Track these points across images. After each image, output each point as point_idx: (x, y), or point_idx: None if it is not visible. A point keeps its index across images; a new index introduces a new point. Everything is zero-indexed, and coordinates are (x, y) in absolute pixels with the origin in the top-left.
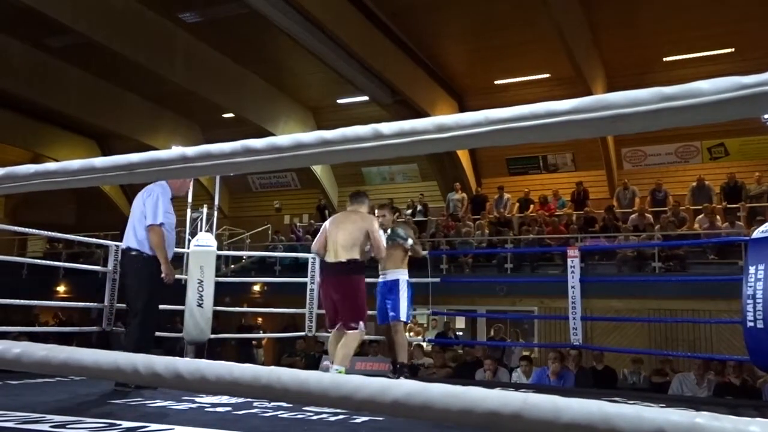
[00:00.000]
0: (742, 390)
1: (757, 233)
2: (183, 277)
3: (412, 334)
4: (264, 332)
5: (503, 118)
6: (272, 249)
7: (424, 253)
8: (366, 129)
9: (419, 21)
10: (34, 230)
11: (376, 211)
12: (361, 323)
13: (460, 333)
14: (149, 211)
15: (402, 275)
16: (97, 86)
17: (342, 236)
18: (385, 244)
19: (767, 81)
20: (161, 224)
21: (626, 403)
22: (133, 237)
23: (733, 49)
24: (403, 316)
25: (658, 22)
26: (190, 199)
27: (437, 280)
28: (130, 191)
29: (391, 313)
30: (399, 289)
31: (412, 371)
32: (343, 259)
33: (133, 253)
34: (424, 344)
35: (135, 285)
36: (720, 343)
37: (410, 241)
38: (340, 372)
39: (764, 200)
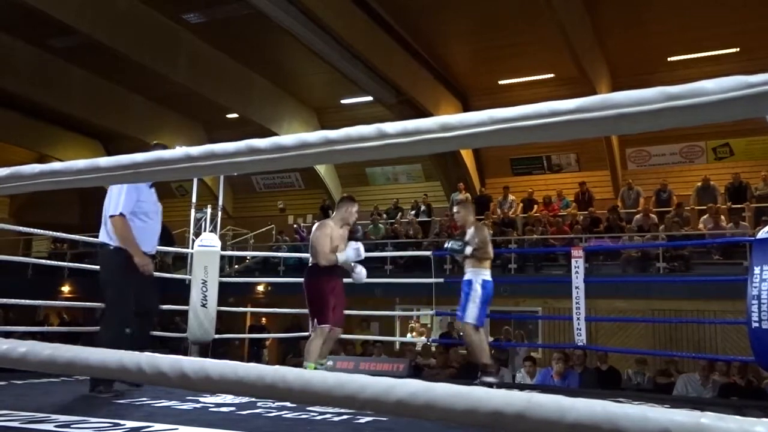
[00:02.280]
0: (747, 391)
1: (762, 233)
2: (187, 277)
3: (414, 334)
4: (268, 333)
5: (507, 118)
6: (276, 249)
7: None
8: (370, 128)
9: (423, 21)
10: (38, 230)
11: (454, 208)
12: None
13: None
14: (111, 201)
15: (475, 275)
16: (101, 87)
17: None
18: (323, 250)
19: None
20: (122, 214)
21: (631, 403)
22: (103, 230)
23: (738, 49)
24: (468, 318)
25: (662, 22)
26: (194, 200)
27: (441, 280)
28: None
29: (458, 314)
30: (470, 288)
31: (417, 370)
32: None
33: (101, 247)
34: (428, 344)
35: (102, 279)
36: (725, 344)
37: (467, 250)
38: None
39: None
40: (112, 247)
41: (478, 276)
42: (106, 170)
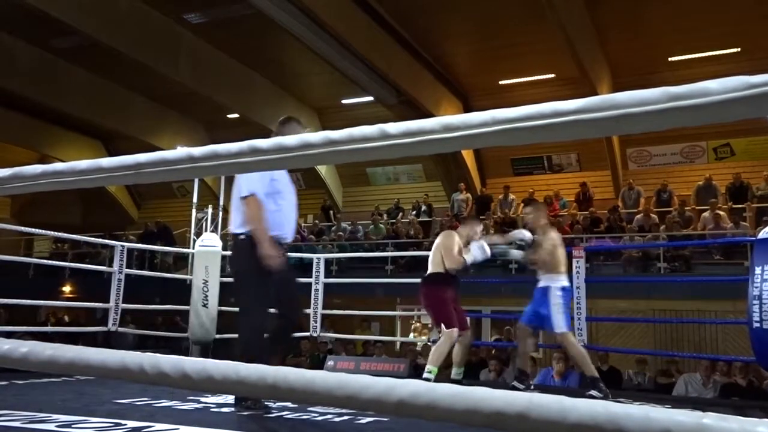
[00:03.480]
0: (748, 391)
1: (763, 233)
2: (188, 277)
3: (415, 334)
4: None
5: (509, 118)
6: None
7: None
8: (372, 129)
9: (424, 21)
10: (40, 230)
11: (526, 209)
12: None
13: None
14: (242, 182)
15: (552, 281)
16: (102, 87)
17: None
18: (453, 254)
19: None
20: (254, 194)
21: (632, 403)
22: (235, 218)
23: (738, 49)
24: (558, 327)
25: (663, 22)
26: (195, 199)
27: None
28: (136, 192)
29: (549, 325)
30: (549, 297)
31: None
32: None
33: (231, 237)
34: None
35: (235, 274)
36: (726, 344)
37: (515, 254)
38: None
39: None
40: (244, 237)
41: (555, 282)
42: (108, 171)
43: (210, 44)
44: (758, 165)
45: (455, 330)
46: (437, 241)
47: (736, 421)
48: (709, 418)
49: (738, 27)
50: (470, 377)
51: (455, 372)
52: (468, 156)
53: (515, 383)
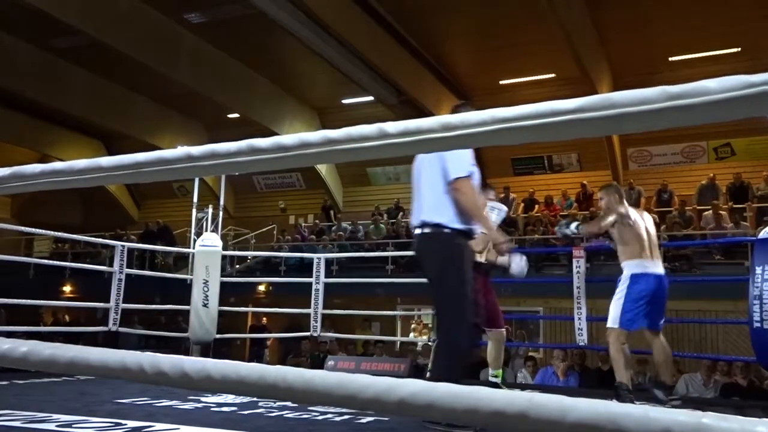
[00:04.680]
0: (748, 391)
1: (764, 233)
2: (188, 277)
3: (415, 334)
4: (269, 333)
5: (509, 117)
6: (277, 249)
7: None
8: (371, 128)
9: (424, 21)
10: (40, 230)
11: (598, 194)
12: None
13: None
14: (451, 163)
15: (626, 270)
16: (103, 87)
17: None
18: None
19: None
20: (469, 175)
21: (632, 403)
22: (425, 209)
23: (739, 49)
24: (612, 321)
25: (663, 22)
26: (195, 199)
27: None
28: (137, 192)
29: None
30: (617, 287)
31: (418, 370)
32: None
33: (427, 231)
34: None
35: (435, 277)
36: (726, 344)
37: (572, 227)
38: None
39: None
40: (450, 230)
41: (627, 271)
42: (108, 170)
43: (210, 44)
44: (759, 165)
45: (502, 330)
46: None
47: (737, 421)
48: (709, 418)
49: (738, 27)
50: (471, 377)
51: (490, 374)
52: None
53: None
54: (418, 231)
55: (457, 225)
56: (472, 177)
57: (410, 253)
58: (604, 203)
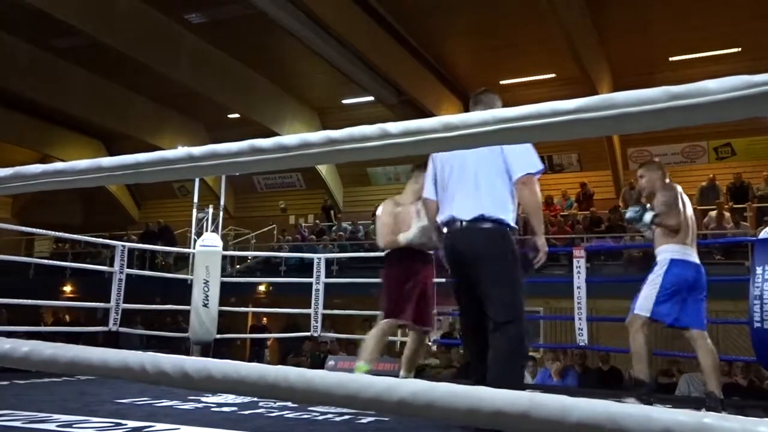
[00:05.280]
0: (749, 390)
1: (764, 233)
2: (189, 277)
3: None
4: (269, 333)
5: (510, 117)
6: (277, 249)
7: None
8: (373, 128)
9: (425, 21)
10: (41, 230)
11: (639, 172)
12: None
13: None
14: (518, 157)
15: (664, 254)
16: (103, 87)
17: None
18: (381, 232)
19: None
20: (539, 172)
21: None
22: (484, 203)
23: (739, 49)
24: (640, 308)
25: (664, 23)
26: (195, 199)
27: (443, 280)
28: (137, 192)
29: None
30: (652, 272)
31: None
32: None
33: (487, 226)
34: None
35: (493, 275)
36: (727, 344)
37: (647, 217)
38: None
39: None
40: (510, 229)
41: (666, 255)
42: (108, 170)
43: (211, 44)
44: (759, 165)
45: (391, 321)
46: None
47: (737, 421)
48: (710, 418)
49: (738, 27)
50: (467, 377)
51: (401, 376)
52: None
53: (626, 399)
54: (470, 225)
55: (513, 223)
56: (540, 173)
57: None
58: (645, 181)
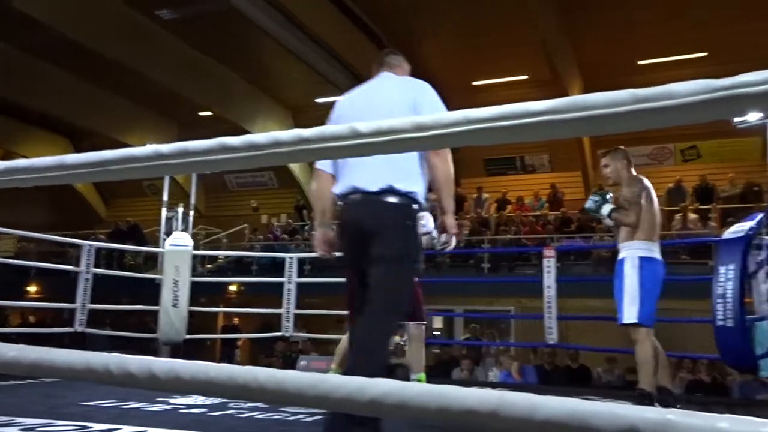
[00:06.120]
0: (712, 387)
1: (727, 234)
2: (158, 276)
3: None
4: (241, 333)
5: (482, 118)
6: (249, 249)
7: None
8: (344, 128)
9: (399, 21)
10: (4, 229)
11: (602, 161)
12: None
13: (438, 333)
14: (425, 106)
15: (631, 251)
16: (71, 83)
17: None
18: None
19: (740, 84)
20: None
21: (600, 401)
22: (394, 172)
23: (706, 53)
24: (630, 315)
25: (633, 27)
26: (165, 198)
27: (415, 279)
28: (105, 190)
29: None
30: (623, 272)
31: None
32: None
33: (393, 200)
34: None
35: (393, 255)
36: (692, 342)
37: (605, 209)
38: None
39: (736, 201)
40: (419, 205)
41: (634, 252)
42: (73, 167)
43: (183, 40)
44: (723, 167)
45: (422, 323)
46: None
47: (700, 417)
48: (674, 414)
49: (704, 32)
50: (442, 376)
51: (412, 378)
52: None
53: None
54: (376, 197)
55: (422, 200)
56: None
57: None
58: (610, 170)
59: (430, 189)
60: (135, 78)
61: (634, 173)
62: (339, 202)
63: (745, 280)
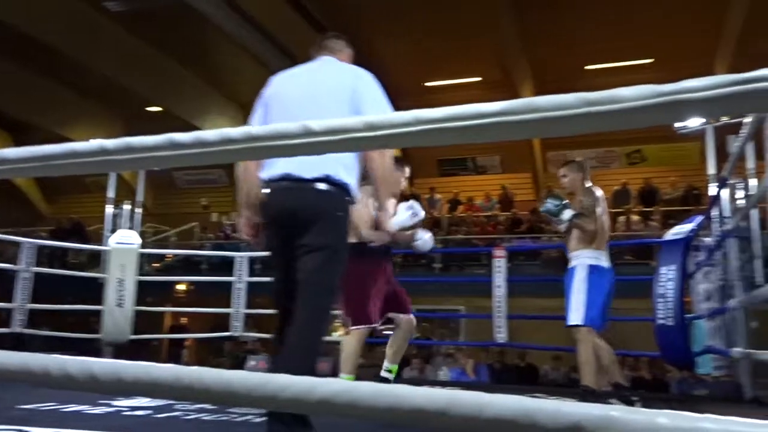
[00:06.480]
0: (652, 384)
1: (668, 236)
2: (102, 276)
3: (340, 333)
4: (189, 333)
5: (433, 118)
6: (199, 247)
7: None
8: (295, 126)
9: (353, 19)
10: None
11: (560, 171)
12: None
13: (389, 332)
14: (376, 109)
15: (581, 259)
16: (12, 75)
17: None
18: (370, 224)
19: (683, 90)
20: None
21: (547, 398)
22: (328, 160)
23: (652, 60)
24: (575, 318)
25: (583, 32)
26: (111, 195)
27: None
28: (47, 186)
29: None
30: (573, 278)
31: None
32: None
33: (325, 188)
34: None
35: (325, 248)
36: (634, 340)
37: (566, 214)
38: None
39: (677, 204)
40: (351, 198)
41: (584, 260)
42: (13, 162)
43: (131, 33)
44: (666, 171)
45: (365, 327)
46: None
47: (641, 413)
48: (616, 411)
49: (650, 39)
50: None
51: (385, 368)
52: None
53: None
54: (310, 185)
55: (355, 192)
56: None
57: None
58: (568, 181)
59: (364, 178)
60: (80, 71)
61: (588, 185)
62: (265, 188)
63: (684, 280)
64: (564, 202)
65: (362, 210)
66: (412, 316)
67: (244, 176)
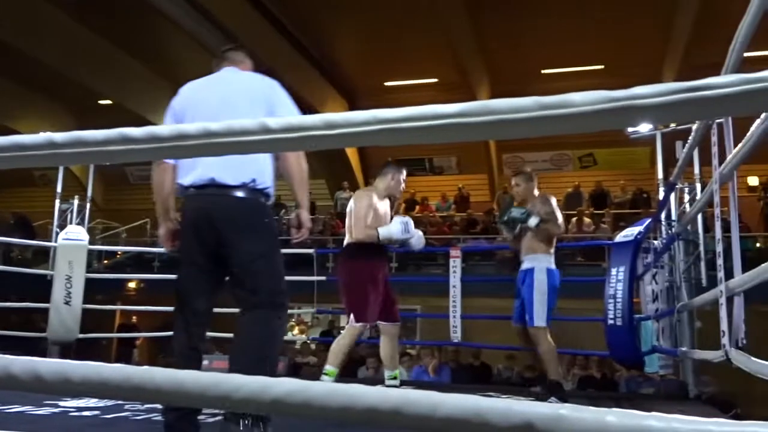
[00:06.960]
0: (602, 383)
1: (618, 238)
2: (48, 272)
3: (296, 332)
4: (139, 332)
5: (392, 118)
6: (151, 244)
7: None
8: (253, 122)
9: (313, 18)
10: None
11: (513, 180)
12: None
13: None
14: (290, 113)
15: (535, 262)
16: None
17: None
18: (363, 224)
19: (634, 96)
20: None
21: (499, 397)
22: (249, 166)
23: (603, 66)
24: (538, 320)
25: (538, 36)
26: (59, 189)
27: (323, 278)
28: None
29: (526, 316)
30: (532, 281)
31: (295, 369)
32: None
33: (244, 195)
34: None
35: (257, 254)
36: (585, 340)
37: (532, 221)
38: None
39: (627, 207)
40: (270, 205)
41: (540, 263)
42: None
43: (81, 24)
44: (616, 174)
45: (362, 325)
46: (349, 204)
47: (590, 411)
48: (566, 409)
49: (601, 46)
50: (348, 375)
51: (387, 375)
52: (353, 155)
53: (552, 401)
54: (233, 192)
55: (271, 193)
56: None
57: (293, 250)
58: (522, 189)
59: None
60: (27, 61)
61: (536, 193)
62: (186, 193)
63: (633, 281)
64: (528, 210)
65: (361, 211)
66: (398, 323)
67: (160, 186)
